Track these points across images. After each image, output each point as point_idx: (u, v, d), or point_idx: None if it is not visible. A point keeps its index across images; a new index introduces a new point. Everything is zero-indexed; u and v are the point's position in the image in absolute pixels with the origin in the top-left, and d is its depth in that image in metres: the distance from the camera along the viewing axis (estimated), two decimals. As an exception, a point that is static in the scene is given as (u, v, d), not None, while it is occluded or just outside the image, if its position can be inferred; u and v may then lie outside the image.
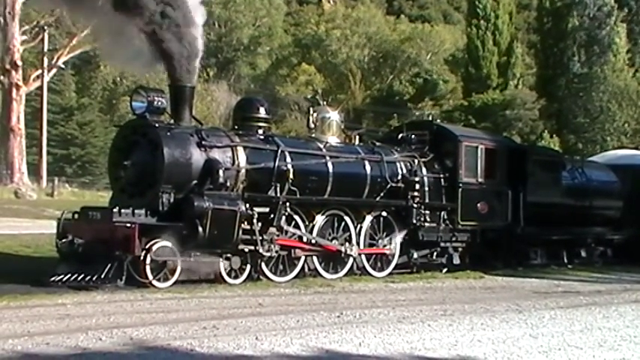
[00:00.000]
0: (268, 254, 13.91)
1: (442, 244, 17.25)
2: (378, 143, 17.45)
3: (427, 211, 16.84)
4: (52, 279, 12.27)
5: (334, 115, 16.42)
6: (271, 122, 16.35)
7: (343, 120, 17.06)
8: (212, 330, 8.77)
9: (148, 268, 12.41)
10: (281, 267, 14.36)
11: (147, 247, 12.43)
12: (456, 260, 17.52)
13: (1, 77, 42.25)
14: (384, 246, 16.06)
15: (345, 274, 15.33)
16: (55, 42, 45.41)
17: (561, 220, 19.94)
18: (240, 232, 13.32)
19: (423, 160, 17.17)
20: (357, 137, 17.27)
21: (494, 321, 10.16)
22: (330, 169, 15.21)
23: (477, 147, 18.15)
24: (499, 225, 18.48)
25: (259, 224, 13.75)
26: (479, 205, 17.95)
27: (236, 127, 14.77)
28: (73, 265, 12.43)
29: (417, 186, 16.59)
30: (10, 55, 41.30)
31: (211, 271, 13.30)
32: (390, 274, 16.07)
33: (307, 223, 14.84)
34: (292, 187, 14.47)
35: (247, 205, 13.53)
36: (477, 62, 54.91)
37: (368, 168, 15.99)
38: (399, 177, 16.43)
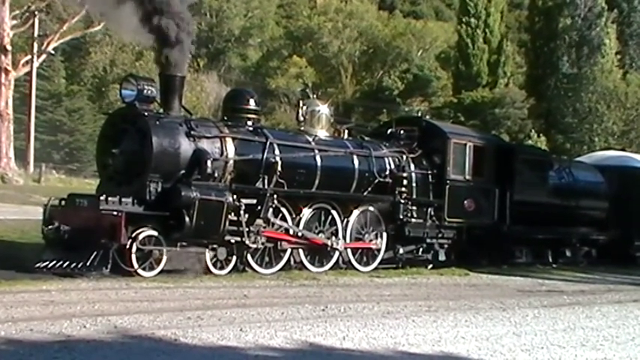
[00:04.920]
0: (254, 246, 13.93)
1: (428, 241, 17.29)
2: (366, 138, 17.48)
3: (414, 207, 16.88)
4: (37, 265, 12.27)
5: (324, 109, 16.44)
6: (261, 114, 16.35)
7: (333, 114, 17.08)
8: (196, 320, 8.78)
9: (133, 256, 12.41)
10: (267, 259, 14.38)
11: (133, 235, 12.42)
12: (442, 257, 17.56)
13: (-10, 61, 41.96)
14: (370, 241, 16.09)
15: (331, 268, 15.36)
16: (45, 27, 45.07)
17: (547, 220, 20.01)
18: (227, 223, 13.33)
19: (412, 156, 17.21)
20: (346, 131, 17.29)
21: (478, 318, 10.20)
22: (319, 163, 15.22)
23: (465, 144, 18.19)
24: (485, 223, 18.54)
25: (246, 216, 13.75)
26: (466, 202, 18.01)
27: (225, 118, 14.76)
28: (58, 252, 12.42)
29: (405, 182, 16.62)
30: (0, 40, 41.04)
31: (197, 262, 13.29)
32: (376, 268, 16.12)
33: (294, 215, 14.86)
34: (280, 180, 14.48)
35: (234, 197, 13.54)
36: (467, 60, 54.94)
37: (356, 162, 16.00)
38: (387, 172, 16.45)
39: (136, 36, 14.07)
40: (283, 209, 14.65)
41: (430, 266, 17.30)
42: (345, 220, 15.70)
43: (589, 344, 8.82)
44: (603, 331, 9.76)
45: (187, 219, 12.72)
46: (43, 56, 45.97)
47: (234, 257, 13.81)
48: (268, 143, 14.43)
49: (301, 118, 16.19)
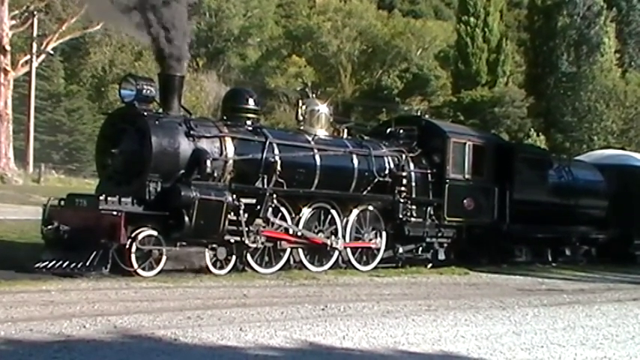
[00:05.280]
0: (254, 245, 13.92)
1: (428, 240, 17.29)
2: (366, 137, 17.47)
3: (414, 206, 16.88)
4: (37, 265, 12.25)
5: (323, 108, 16.43)
6: (260, 114, 16.35)
7: (332, 113, 17.07)
8: (196, 320, 8.77)
9: (133, 256, 12.41)
10: (266, 258, 14.37)
11: (133, 235, 12.42)
12: (442, 256, 17.56)
13: (-10, 62, 41.99)
14: (370, 240, 16.09)
15: (331, 267, 15.36)
16: (44, 27, 45.05)
17: (547, 219, 20.02)
18: (227, 222, 13.32)
19: (411, 155, 17.21)
20: (346, 131, 17.29)
21: (477, 317, 10.20)
22: (318, 162, 15.22)
23: (464, 143, 18.19)
24: (485, 222, 18.53)
25: (246, 215, 13.75)
26: (465, 201, 18.00)
27: (225, 117, 14.76)
28: (58, 252, 12.41)
29: (404, 181, 16.62)
30: (-1, 40, 41.03)
31: (197, 261, 13.29)
32: (375, 268, 16.12)
33: (294, 215, 14.85)
34: (279, 179, 14.48)
35: (234, 196, 13.53)
36: (466, 59, 54.95)
37: (355, 162, 16.00)
38: (387, 171, 16.45)
39: (136, 34, 14.05)
40: (283, 209, 14.65)
41: (430, 265, 17.29)
42: (345, 219, 15.70)
43: (589, 343, 8.82)
44: (603, 330, 9.75)
45: (187, 219, 12.72)
46: (42, 56, 45.94)
47: (234, 257, 13.81)
48: (268, 143, 14.43)
49: (301, 118, 16.19)
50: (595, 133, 51.58)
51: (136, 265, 12.44)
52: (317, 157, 15.25)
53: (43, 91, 51.78)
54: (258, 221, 14.03)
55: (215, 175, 13.45)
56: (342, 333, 8.44)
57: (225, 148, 13.90)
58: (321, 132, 16.04)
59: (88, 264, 12.09)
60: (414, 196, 16.94)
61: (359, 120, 54.73)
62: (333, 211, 15.50)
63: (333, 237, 15.39)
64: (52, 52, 46.62)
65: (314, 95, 17.25)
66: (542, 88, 54.61)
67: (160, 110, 13.76)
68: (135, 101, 13.39)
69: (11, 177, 38.08)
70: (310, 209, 15.15)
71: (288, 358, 7.40)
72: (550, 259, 20.60)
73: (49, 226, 12.72)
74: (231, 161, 13.94)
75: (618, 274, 18.93)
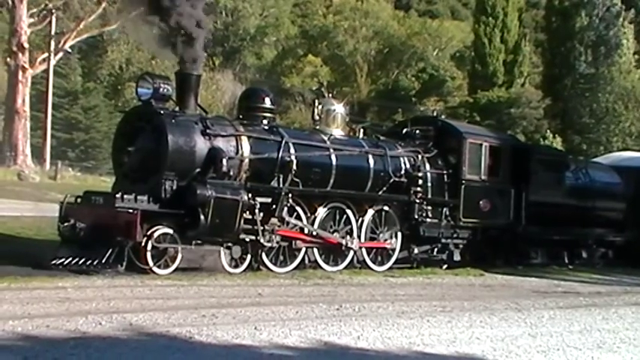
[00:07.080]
0: (269, 245, 13.93)
1: (443, 241, 17.24)
2: (382, 137, 17.44)
3: (429, 207, 16.83)
4: (53, 262, 12.30)
5: (339, 108, 16.42)
6: (276, 113, 16.34)
7: (348, 113, 17.05)
8: (211, 318, 8.78)
9: (148, 254, 12.43)
10: (281, 258, 14.37)
11: (148, 233, 12.44)
12: (457, 257, 17.51)
13: (8, 59, 42.30)
14: (385, 240, 16.06)
15: (345, 267, 15.34)
16: (62, 25, 45.31)
17: (563, 221, 19.91)
18: (242, 221, 13.34)
19: (427, 155, 17.16)
20: (362, 131, 17.26)
21: (493, 319, 10.15)
22: (334, 162, 15.21)
23: (481, 144, 18.13)
24: (501, 223, 18.46)
25: (261, 214, 13.75)
26: (481, 202, 17.94)
27: (241, 116, 14.77)
28: (74, 249, 12.46)
29: (420, 181, 16.58)
30: (18, 38, 41.29)
31: (212, 260, 13.31)
32: (390, 268, 16.09)
33: (309, 214, 14.85)
34: (295, 179, 14.47)
35: (250, 195, 13.54)
36: (483, 59, 54.73)
37: (371, 162, 15.97)
38: (402, 172, 16.41)
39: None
40: (298, 208, 14.65)
41: (445, 266, 17.25)
42: (360, 219, 15.68)
43: (605, 346, 8.77)
44: (620, 333, 9.69)
45: (202, 217, 12.74)
46: (60, 54, 46.22)
47: (249, 256, 13.82)
48: (284, 142, 14.43)
49: (316, 117, 16.17)
50: (613, 134, 51.26)
51: (151, 263, 12.46)
52: (333, 157, 15.24)
53: (60, 88, 52.05)
54: (274, 220, 14.04)
55: (231, 173, 13.47)
56: (356, 333, 8.42)
57: (241, 147, 13.91)
58: (337, 132, 16.02)
59: (103, 261, 12.13)
60: (429, 196, 16.89)
61: (375, 120, 54.67)
62: (349, 211, 15.48)
63: (348, 237, 15.37)
64: (69, 50, 46.90)
65: (330, 95, 17.24)
66: (560, 89, 54.30)
67: (177, 109, 13.79)
68: (151, 99, 13.42)
69: (28, 174, 38.35)
70: (325, 209, 15.14)
71: (303, 357, 7.40)
72: (566, 261, 20.49)
73: (66, 224, 12.77)
74: (247, 160, 13.95)
75: (635, 277, 18.77)
